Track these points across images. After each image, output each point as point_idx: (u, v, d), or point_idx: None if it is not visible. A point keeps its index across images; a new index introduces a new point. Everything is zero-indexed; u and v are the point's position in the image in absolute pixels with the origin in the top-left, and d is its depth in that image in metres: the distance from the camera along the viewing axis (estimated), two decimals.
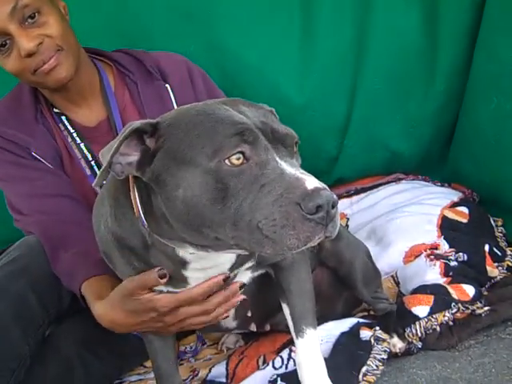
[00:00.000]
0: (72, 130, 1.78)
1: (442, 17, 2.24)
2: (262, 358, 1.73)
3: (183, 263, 1.21)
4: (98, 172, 1.77)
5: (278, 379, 1.49)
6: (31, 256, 1.62)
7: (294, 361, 1.57)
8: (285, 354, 1.60)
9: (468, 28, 2.23)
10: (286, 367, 1.57)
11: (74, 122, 1.80)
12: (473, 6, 2.18)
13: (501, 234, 2.17)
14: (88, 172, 1.79)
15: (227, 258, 1.25)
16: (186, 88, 1.87)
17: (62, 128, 1.79)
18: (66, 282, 1.57)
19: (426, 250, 1.96)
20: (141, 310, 1.28)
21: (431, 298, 1.68)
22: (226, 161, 0.98)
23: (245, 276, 1.39)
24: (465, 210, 2.22)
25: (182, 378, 1.74)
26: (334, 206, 0.95)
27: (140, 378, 1.79)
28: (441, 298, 1.68)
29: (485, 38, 2.11)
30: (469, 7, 2.19)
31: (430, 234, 2.07)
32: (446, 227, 2.10)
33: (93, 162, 1.78)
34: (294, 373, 1.48)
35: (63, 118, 1.80)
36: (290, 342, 1.74)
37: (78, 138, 1.78)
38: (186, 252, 1.18)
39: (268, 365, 1.58)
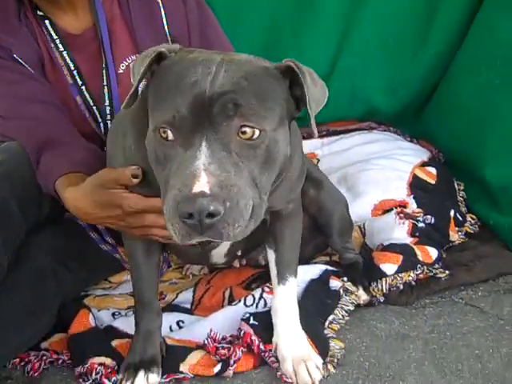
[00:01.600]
0: (55, 37, 1.67)
1: None
2: (228, 290, 1.77)
3: None
4: (79, 81, 1.70)
5: (251, 318, 1.53)
6: (13, 162, 1.54)
7: (265, 301, 1.63)
8: (257, 293, 1.65)
9: None
10: (257, 306, 1.62)
11: (57, 28, 1.68)
12: None
13: (461, 199, 2.26)
14: (70, 81, 1.70)
15: None
16: (177, 5, 1.76)
17: (45, 32, 1.67)
18: (44, 181, 1.51)
19: (396, 207, 2.03)
20: (107, 203, 1.30)
21: (400, 257, 1.76)
22: (159, 131, 1.02)
23: None
24: (433, 170, 2.30)
25: None
26: (211, 215, 0.94)
27: (105, 293, 1.79)
28: (409, 259, 1.76)
29: (486, 11, 2.12)
30: None
31: (399, 190, 2.14)
32: (416, 186, 2.17)
33: (75, 72, 1.69)
34: (267, 314, 1.54)
35: (47, 22, 1.66)
36: (256, 278, 1.81)
37: (60, 45, 1.67)
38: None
39: (240, 301, 1.63)
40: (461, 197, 2.27)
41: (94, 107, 1.70)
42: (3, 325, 1.41)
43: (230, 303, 1.71)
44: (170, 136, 1.01)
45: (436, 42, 2.34)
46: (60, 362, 1.52)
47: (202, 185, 0.94)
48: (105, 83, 1.69)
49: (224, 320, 1.59)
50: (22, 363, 1.51)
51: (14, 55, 1.61)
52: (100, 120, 1.71)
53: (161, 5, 1.71)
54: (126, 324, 1.60)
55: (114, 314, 1.67)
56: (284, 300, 1.47)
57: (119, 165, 1.29)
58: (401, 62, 2.42)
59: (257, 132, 1.00)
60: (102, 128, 1.71)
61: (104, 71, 1.68)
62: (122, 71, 1.72)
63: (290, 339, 1.46)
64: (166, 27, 1.72)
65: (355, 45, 2.39)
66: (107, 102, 1.70)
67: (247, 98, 1.00)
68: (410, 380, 1.45)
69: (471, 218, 2.14)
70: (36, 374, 1.50)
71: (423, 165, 2.32)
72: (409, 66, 2.40)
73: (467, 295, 1.81)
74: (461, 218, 2.09)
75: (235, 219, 0.96)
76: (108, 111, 1.71)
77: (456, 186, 2.30)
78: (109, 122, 1.71)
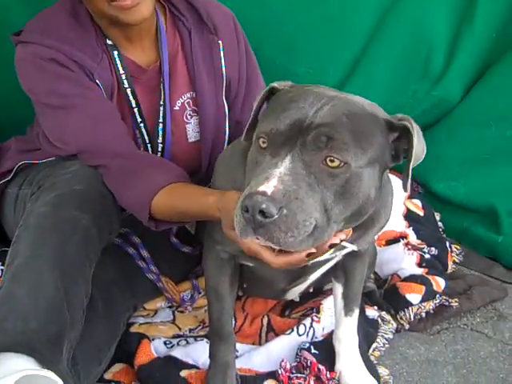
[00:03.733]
0: (122, 71, 1.66)
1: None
2: (266, 318, 1.84)
3: None
4: (138, 118, 1.71)
5: (312, 347, 1.62)
6: (94, 188, 1.53)
7: (314, 330, 1.72)
8: (307, 322, 1.73)
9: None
10: (308, 335, 1.70)
11: (125, 59, 1.67)
12: None
13: (441, 229, 2.48)
14: (131, 115, 1.71)
15: None
16: (233, 47, 1.81)
17: (114, 63, 1.66)
18: (137, 199, 1.53)
19: (402, 239, 2.19)
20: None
21: (423, 288, 1.92)
22: (259, 140, 1.12)
23: (334, 262, 1.49)
24: (418, 202, 2.50)
25: (190, 327, 1.80)
26: (264, 213, 0.99)
27: (147, 321, 1.79)
28: (429, 289, 1.93)
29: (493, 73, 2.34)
30: None
31: (398, 222, 2.31)
32: (410, 218, 2.36)
33: (136, 109, 1.69)
34: (324, 343, 1.64)
35: (115, 52, 1.65)
36: (284, 306, 1.89)
37: (125, 81, 1.66)
38: None
39: (293, 331, 1.71)
40: (440, 227, 2.48)
41: (149, 144, 1.70)
42: (86, 358, 1.38)
43: (269, 331, 1.78)
44: (264, 145, 1.10)
45: (441, 89, 2.51)
46: None
47: (268, 186, 1.00)
48: (161, 120, 1.70)
49: (280, 349, 1.66)
50: None
51: (97, 80, 1.58)
52: None
53: (221, 46, 1.74)
54: (184, 353, 1.63)
55: (165, 343, 1.67)
56: (349, 330, 1.58)
57: None
58: (404, 90, 2.55)
59: (340, 164, 1.06)
60: None
61: (162, 108, 1.69)
62: (177, 108, 1.74)
63: (353, 368, 1.57)
64: (223, 69, 1.75)
65: (361, 76, 2.51)
66: (160, 139, 1.72)
67: (342, 133, 1.06)
68: None
69: (456, 248, 2.36)
70: None
71: (410, 197, 2.51)
72: (406, 104, 2.56)
73: (468, 321, 2.01)
74: (449, 249, 2.30)
75: (288, 228, 1.00)
76: (160, 148, 1.72)
77: (437, 216, 2.51)
78: None
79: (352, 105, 1.12)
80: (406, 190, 1.18)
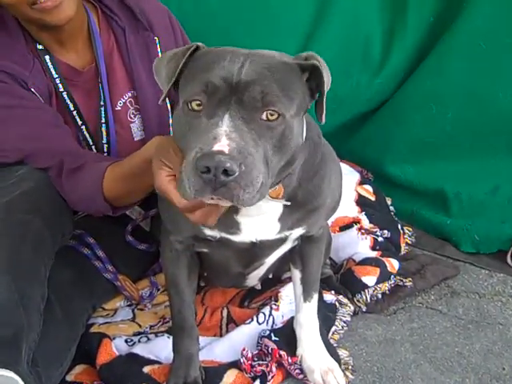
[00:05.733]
0: (56, 76, 1.64)
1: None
2: (225, 309, 1.85)
3: (235, 207, 1.26)
4: (79, 120, 1.70)
5: (272, 334, 1.64)
6: (42, 191, 1.51)
7: (273, 318, 1.74)
8: (266, 310, 1.75)
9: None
10: (267, 323, 1.73)
11: (59, 62, 1.66)
12: None
13: (392, 213, 2.54)
14: (71, 119, 1.70)
15: (270, 207, 1.32)
16: (170, 42, 1.81)
17: (47, 68, 1.64)
18: (90, 191, 1.51)
19: (355, 224, 2.24)
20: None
21: (378, 270, 1.97)
22: (189, 104, 1.10)
23: (288, 246, 1.51)
24: (369, 188, 2.55)
25: (151, 324, 1.80)
26: (228, 174, 0.99)
27: (107, 321, 1.78)
28: (384, 271, 1.98)
29: (436, 54, 2.39)
30: None
31: (351, 207, 2.35)
32: (362, 203, 2.41)
33: (75, 112, 1.68)
34: (284, 329, 1.67)
35: (47, 57, 1.63)
36: (246, 295, 1.91)
37: (61, 86, 1.65)
38: None
39: (252, 320, 1.72)
40: (392, 211, 2.54)
41: (93, 146, 1.70)
42: (47, 360, 1.37)
43: (229, 322, 1.79)
44: (198, 107, 1.09)
45: (383, 76, 2.54)
46: None
47: (222, 145, 1.00)
48: (103, 121, 1.69)
49: (241, 338, 1.68)
50: None
51: (31, 88, 1.56)
52: None
53: (157, 41, 1.74)
54: (146, 350, 1.63)
55: (126, 341, 1.67)
56: (309, 315, 1.61)
57: None
58: (347, 81, 2.56)
59: (278, 116, 1.09)
60: None
61: (102, 109, 1.68)
62: (119, 108, 1.74)
63: (315, 351, 1.60)
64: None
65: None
66: (105, 140, 1.71)
67: (272, 86, 1.08)
68: (416, 379, 1.66)
69: (407, 229, 2.42)
70: None
71: (360, 183, 2.56)
72: (351, 94, 2.60)
73: (423, 300, 2.07)
74: (402, 231, 2.36)
75: (246, 184, 1.02)
76: (105, 149, 1.71)
77: (388, 201, 2.57)
78: None
79: (268, 58, 1.14)
80: (321, 121, 1.20)
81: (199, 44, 1.19)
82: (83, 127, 1.69)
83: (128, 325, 1.78)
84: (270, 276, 1.79)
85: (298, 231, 1.43)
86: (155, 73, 1.23)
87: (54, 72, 1.63)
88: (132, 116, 1.78)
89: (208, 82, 1.07)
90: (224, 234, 1.37)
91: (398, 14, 2.46)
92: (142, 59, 1.74)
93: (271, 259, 1.55)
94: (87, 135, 1.71)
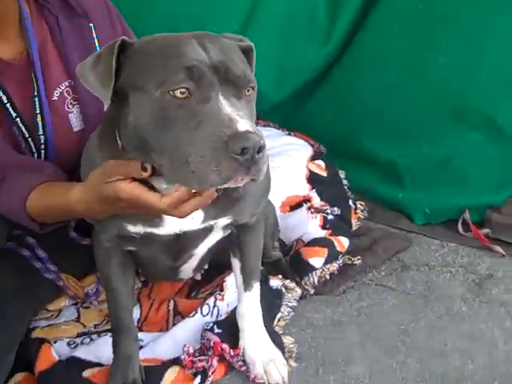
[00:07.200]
0: None
1: None
2: (172, 302, 1.84)
3: None
4: (12, 113, 1.62)
5: (215, 327, 1.64)
6: None
7: (219, 309, 1.74)
8: (210, 302, 1.74)
9: None
10: (212, 314, 1.72)
11: None
12: None
13: (346, 187, 2.53)
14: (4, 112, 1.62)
15: None
16: (107, 28, 1.74)
17: None
18: (12, 204, 1.48)
19: (305, 202, 2.22)
20: (107, 197, 1.24)
21: (325, 250, 1.97)
22: (171, 92, 1.05)
23: (217, 235, 1.50)
24: (321, 163, 2.53)
25: (95, 323, 1.79)
26: (260, 151, 1.01)
27: (49, 324, 1.76)
28: (332, 251, 1.97)
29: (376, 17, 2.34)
30: None
31: (301, 186, 2.34)
32: (313, 180, 2.39)
33: (8, 105, 1.61)
34: (227, 321, 1.67)
35: None
36: (193, 286, 1.90)
37: None
38: (159, 184, 1.23)
39: (196, 312, 1.71)
40: (345, 185, 2.53)
41: (30, 138, 1.64)
42: None
43: (175, 315, 1.79)
44: (182, 94, 1.05)
45: (330, 45, 2.51)
46: None
47: (245, 125, 1.00)
48: (38, 111, 1.63)
49: (185, 333, 1.67)
50: None
51: None
52: (34, 150, 1.65)
53: (92, 28, 1.68)
54: (88, 352, 1.61)
55: (68, 344, 1.66)
56: (250, 305, 1.60)
57: None
58: (294, 53, 2.53)
59: (252, 90, 1.15)
60: (36, 158, 1.66)
61: (36, 99, 1.62)
62: (55, 98, 1.67)
63: (257, 342, 1.60)
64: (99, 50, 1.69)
65: (256, 29, 2.48)
66: (41, 131, 1.65)
67: (242, 64, 1.13)
68: (359, 361, 1.67)
69: (360, 204, 2.41)
70: None
71: (312, 159, 2.54)
72: (299, 66, 2.54)
73: (374, 276, 2.09)
74: (353, 206, 2.35)
75: (265, 160, 1.06)
76: (42, 140, 1.66)
77: (341, 174, 2.55)
78: (43, 151, 1.67)
79: (219, 38, 1.16)
80: None
81: (125, 38, 1.16)
82: (17, 119, 1.63)
83: (72, 325, 1.75)
84: (206, 267, 1.77)
85: (224, 220, 1.41)
86: (82, 80, 1.18)
87: None
88: (70, 106, 1.72)
89: (191, 66, 1.05)
90: (148, 229, 1.35)
91: None
92: (77, 47, 1.67)
93: (201, 250, 1.53)
94: (22, 127, 1.64)
